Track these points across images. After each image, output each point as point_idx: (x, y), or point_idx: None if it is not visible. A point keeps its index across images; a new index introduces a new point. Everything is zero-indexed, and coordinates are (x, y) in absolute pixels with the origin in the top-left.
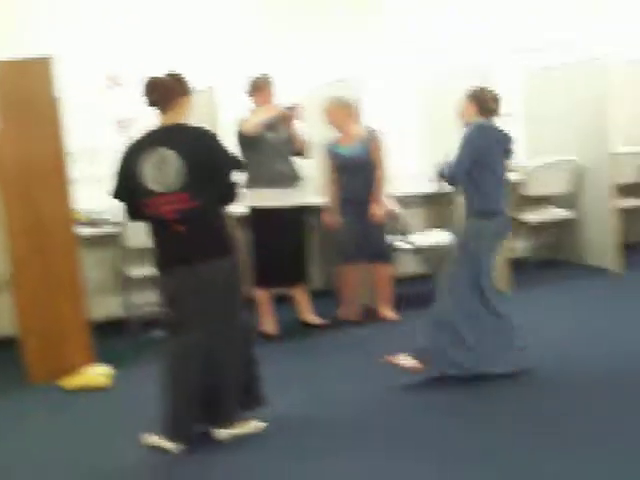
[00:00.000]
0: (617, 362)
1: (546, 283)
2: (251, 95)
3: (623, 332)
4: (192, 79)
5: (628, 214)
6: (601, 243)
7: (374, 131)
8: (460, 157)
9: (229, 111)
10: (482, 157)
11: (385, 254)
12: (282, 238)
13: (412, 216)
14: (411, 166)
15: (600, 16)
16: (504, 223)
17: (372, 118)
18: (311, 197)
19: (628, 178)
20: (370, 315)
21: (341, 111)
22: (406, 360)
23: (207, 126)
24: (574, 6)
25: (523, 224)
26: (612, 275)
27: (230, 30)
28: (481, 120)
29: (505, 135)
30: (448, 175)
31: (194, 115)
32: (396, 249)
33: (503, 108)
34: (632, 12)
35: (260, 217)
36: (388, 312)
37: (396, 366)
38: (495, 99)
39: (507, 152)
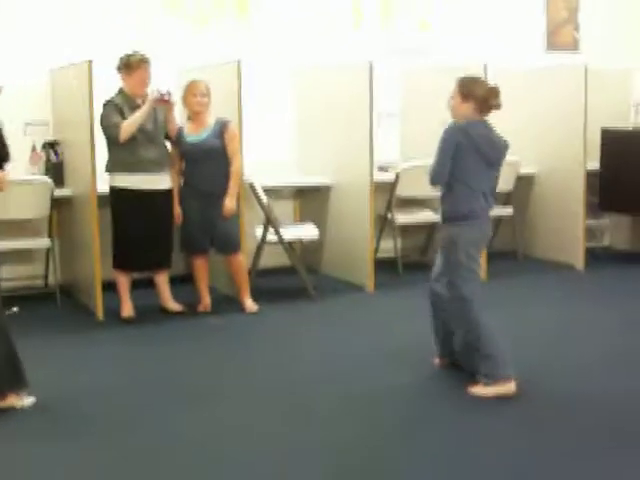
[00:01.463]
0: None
1: (408, 285)
2: (123, 73)
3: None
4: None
5: (499, 222)
6: None
7: (227, 120)
8: (440, 158)
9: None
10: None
11: (232, 245)
12: (145, 222)
13: (282, 208)
14: (284, 157)
15: (481, 23)
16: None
17: (245, 105)
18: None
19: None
20: (233, 305)
21: (196, 94)
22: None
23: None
24: (455, 11)
25: (392, 225)
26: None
27: (109, 5)
28: (477, 119)
29: (491, 134)
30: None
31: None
32: (262, 240)
33: (386, 108)
34: (513, 22)
35: (124, 199)
36: (247, 302)
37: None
38: (495, 93)
39: (488, 154)
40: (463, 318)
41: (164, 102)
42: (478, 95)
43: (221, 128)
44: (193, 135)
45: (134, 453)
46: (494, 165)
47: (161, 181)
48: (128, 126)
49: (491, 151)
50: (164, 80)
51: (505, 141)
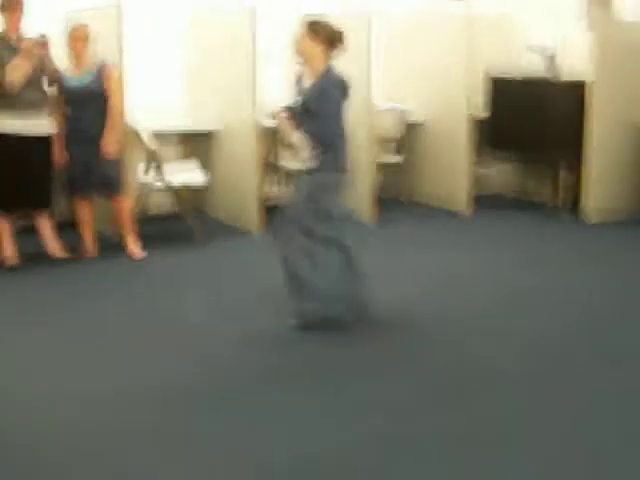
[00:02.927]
0: None
1: None
2: (1, 13)
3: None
4: None
5: (386, 169)
6: (359, 195)
7: (106, 62)
8: (331, 112)
9: None
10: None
11: (115, 187)
12: (23, 164)
13: (168, 152)
14: (172, 99)
15: None
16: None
17: (132, 47)
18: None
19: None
20: (117, 249)
21: (77, 38)
22: None
23: None
24: None
25: (281, 170)
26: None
27: None
28: (326, 62)
29: (343, 79)
30: (322, 137)
31: None
32: (148, 185)
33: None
34: None
35: (5, 139)
36: (133, 247)
37: None
38: (343, 37)
39: (345, 97)
40: None
41: (41, 47)
42: (329, 35)
43: (100, 70)
44: (75, 78)
45: None
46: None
47: (40, 124)
48: (11, 74)
49: (344, 84)
50: (43, 23)
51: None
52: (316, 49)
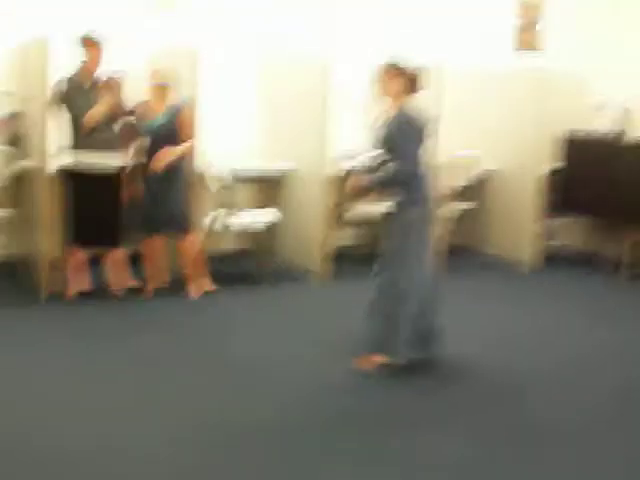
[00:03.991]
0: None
1: (365, 275)
2: (83, 51)
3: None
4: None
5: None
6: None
7: (181, 104)
8: (405, 149)
9: (63, 63)
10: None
11: (181, 224)
12: (99, 200)
13: (242, 193)
14: (246, 141)
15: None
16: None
17: (208, 88)
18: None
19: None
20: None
21: (158, 79)
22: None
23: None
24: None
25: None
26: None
27: None
28: (406, 99)
29: (421, 117)
30: (398, 177)
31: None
32: (224, 225)
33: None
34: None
35: (78, 178)
36: (200, 285)
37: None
38: (422, 77)
39: (423, 137)
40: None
41: (116, 84)
42: (411, 75)
43: (176, 112)
44: (152, 118)
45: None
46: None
47: (112, 160)
48: (95, 116)
49: (423, 125)
50: (123, 62)
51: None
52: (396, 87)
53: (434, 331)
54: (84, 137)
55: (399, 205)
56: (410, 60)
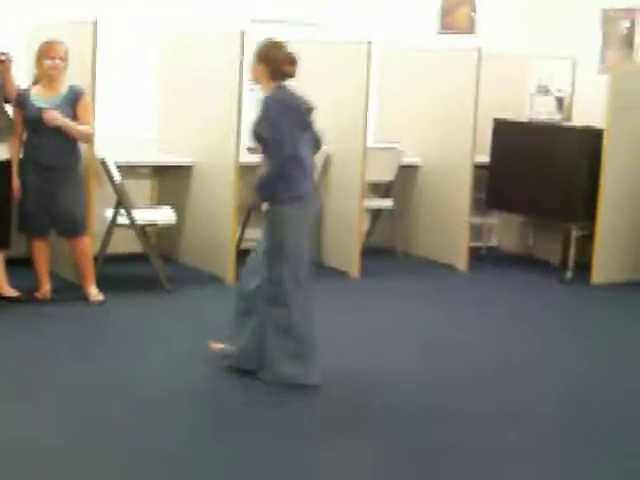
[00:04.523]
0: None
1: None
2: None
3: (341, 339)
4: None
5: (376, 215)
6: (343, 243)
7: (82, 90)
8: (279, 133)
9: None
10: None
11: (76, 226)
12: None
13: (138, 188)
14: (142, 132)
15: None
16: (310, 206)
17: (104, 70)
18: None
19: (381, 177)
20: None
21: (52, 56)
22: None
23: None
24: None
25: (260, 212)
26: (348, 279)
27: None
28: (274, 84)
29: (304, 103)
30: (272, 173)
31: None
32: (114, 223)
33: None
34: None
35: None
36: (92, 291)
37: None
38: (292, 61)
39: (306, 123)
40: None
41: (1, 65)
42: (272, 60)
43: (75, 97)
44: (42, 100)
45: None
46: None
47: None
48: None
49: (303, 109)
50: (9, 37)
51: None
52: (261, 72)
53: (313, 342)
54: None
55: (275, 202)
56: (285, 41)
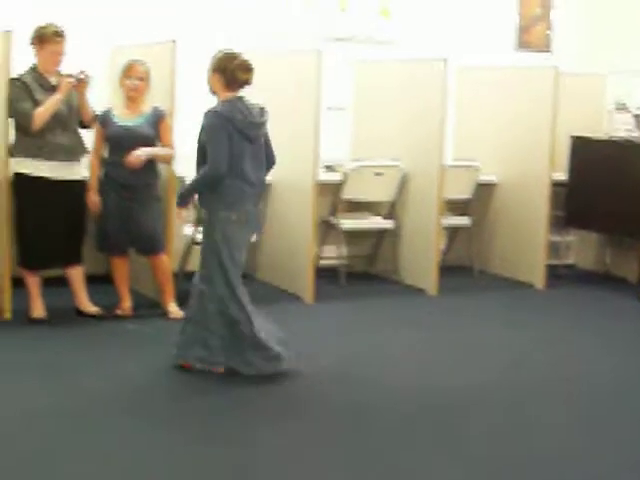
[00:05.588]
0: (392, 389)
1: (352, 297)
2: (36, 47)
3: (418, 357)
4: None
5: (454, 232)
6: (419, 260)
7: (165, 111)
8: (216, 146)
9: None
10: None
11: (155, 245)
12: (50, 214)
13: None
14: None
15: (442, 16)
16: (247, 216)
17: (183, 89)
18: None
19: (458, 194)
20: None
21: (131, 79)
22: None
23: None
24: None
25: (337, 230)
26: (425, 296)
27: None
28: (229, 95)
29: (254, 117)
30: (206, 178)
31: None
32: (194, 241)
33: (333, 100)
34: (475, 18)
35: (27, 188)
36: (171, 307)
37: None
38: (246, 68)
39: (253, 137)
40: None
41: (78, 85)
42: (226, 69)
43: (157, 118)
44: (125, 120)
45: None
46: (251, 135)
47: (71, 170)
48: (41, 115)
49: (247, 121)
50: (90, 57)
51: (258, 109)
52: (215, 82)
53: (258, 340)
54: (40, 140)
55: (210, 209)
56: (237, 52)
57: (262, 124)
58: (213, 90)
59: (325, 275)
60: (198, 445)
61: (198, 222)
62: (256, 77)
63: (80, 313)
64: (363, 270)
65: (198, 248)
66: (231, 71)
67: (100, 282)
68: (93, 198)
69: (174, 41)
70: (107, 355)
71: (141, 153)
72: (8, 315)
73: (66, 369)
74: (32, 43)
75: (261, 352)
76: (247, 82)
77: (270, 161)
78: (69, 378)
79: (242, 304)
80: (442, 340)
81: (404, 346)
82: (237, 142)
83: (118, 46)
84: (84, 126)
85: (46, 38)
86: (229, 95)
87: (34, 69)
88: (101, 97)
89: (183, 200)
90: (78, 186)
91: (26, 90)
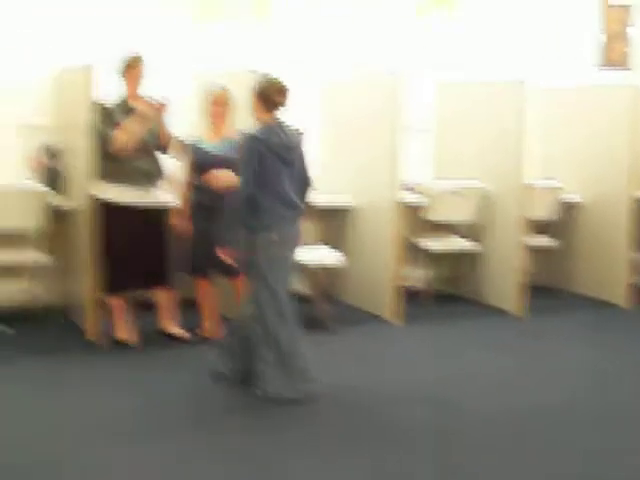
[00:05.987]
0: (477, 410)
1: (438, 318)
2: (122, 73)
3: (504, 379)
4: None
5: (537, 253)
6: (504, 281)
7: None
8: (245, 174)
9: (106, 90)
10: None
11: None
12: (138, 238)
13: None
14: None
15: (522, 39)
16: (286, 236)
17: None
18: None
19: (541, 214)
20: None
21: (218, 103)
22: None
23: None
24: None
25: (421, 251)
26: (511, 317)
27: (111, 4)
28: (267, 118)
29: (286, 137)
30: (234, 202)
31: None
32: None
33: (417, 123)
34: (554, 37)
35: (109, 212)
36: None
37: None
38: (282, 91)
39: (289, 160)
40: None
41: (158, 110)
42: (264, 93)
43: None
44: (210, 144)
45: None
46: (287, 159)
47: (150, 195)
48: (119, 137)
49: (283, 144)
50: (173, 83)
51: (294, 133)
52: (256, 105)
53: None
54: (121, 166)
55: (250, 231)
56: (273, 76)
57: (297, 147)
58: (255, 114)
59: (409, 297)
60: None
61: None
62: (339, 100)
63: (165, 335)
64: (447, 291)
65: None
66: (267, 94)
67: (186, 306)
68: (185, 224)
69: (254, 70)
70: (181, 375)
71: (221, 174)
72: (93, 337)
73: (140, 386)
74: (117, 70)
75: (298, 376)
76: (281, 104)
77: (306, 183)
78: (145, 394)
79: (290, 328)
80: (528, 362)
81: (490, 369)
82: (272, 164)
83: (201, 72)
84: (163, 151)
85: (127, 64)
86: (267, 118)
87: (119, 95)
88: (185, 123)
89: (228, 238)
90: (157, 210)
91: (108, 115)
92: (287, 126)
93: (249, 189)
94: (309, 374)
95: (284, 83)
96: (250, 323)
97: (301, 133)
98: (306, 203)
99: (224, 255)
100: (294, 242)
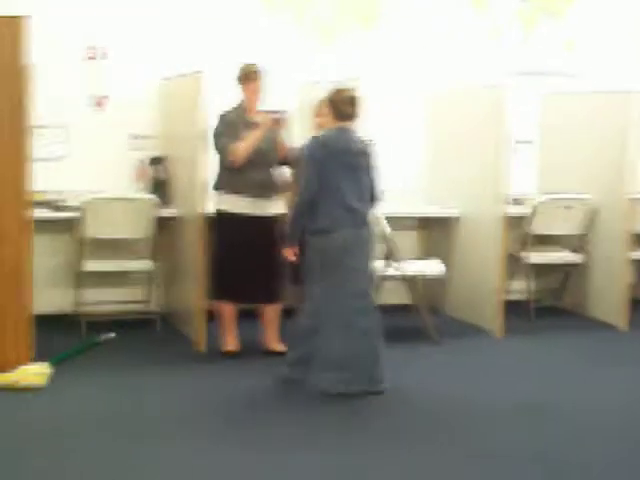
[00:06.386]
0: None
1: (541, 331)
2: (241, 84)
3: (610, 395)
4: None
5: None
6: (608, 295)
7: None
8: (307, 177)
9: (218, 98)
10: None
11: None
12: (249, 250)
13: (404, 240)
14: (409, 184)
15: (627, 47)
16: (346, 239)
17: (370, 126)
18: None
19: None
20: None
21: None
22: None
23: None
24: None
25: (524, 264)
26: (616, 331)
27: (224, 11)
28: (336, 126)
29: (356, 146)
30: (297, 205)
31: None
32: (384, 276)
33: (518, 134)
34: None
35: (226, 223)
36: None
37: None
38: (351, 101)
39: (355, 165)
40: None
41: (277, 123)
42: (335, 102)
43: None
44: None
45: None
46: (355, 165)
47: (267, 206)
48: (238, 149)
49: (351, 151)
50: (283, 95)
51: (363, 142)
52: (327, 114)
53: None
54: (238, 177)
55: (309, 233)
56: (347, 86)
57: (361, 153)
58: (324, 121)
59: (513, 309)
60: None
61: (388, 256)
62: (443, 111)
63: (267, 351)
64: (551, 304)
65: (388, 283)
66: (337, 104)
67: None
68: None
69: (358, 79)
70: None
71: None
72: (202, 348)
73: (240, 402)
74: (238, 81)
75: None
76: (352, 115)
77: (373, 192)
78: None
79: (349, 331)
80: (636, 378)
81: (596, 383)
82: (334, 168)
83: (307, 83)
84: (282, 164)
85: (247, 76)
86: (337, 124)
87: (239, 106)
88: (296, 134)
89: (291, 239)
90: (273, 222)
91: (229, 126)
92: (355, 134)
93: (310, 192)
94: (378, 380)
95: (355, 94)
96: (308, 322)
97: (371, 142)
98: (370, 211)
99: (287, 255)
100: (358, 249)
